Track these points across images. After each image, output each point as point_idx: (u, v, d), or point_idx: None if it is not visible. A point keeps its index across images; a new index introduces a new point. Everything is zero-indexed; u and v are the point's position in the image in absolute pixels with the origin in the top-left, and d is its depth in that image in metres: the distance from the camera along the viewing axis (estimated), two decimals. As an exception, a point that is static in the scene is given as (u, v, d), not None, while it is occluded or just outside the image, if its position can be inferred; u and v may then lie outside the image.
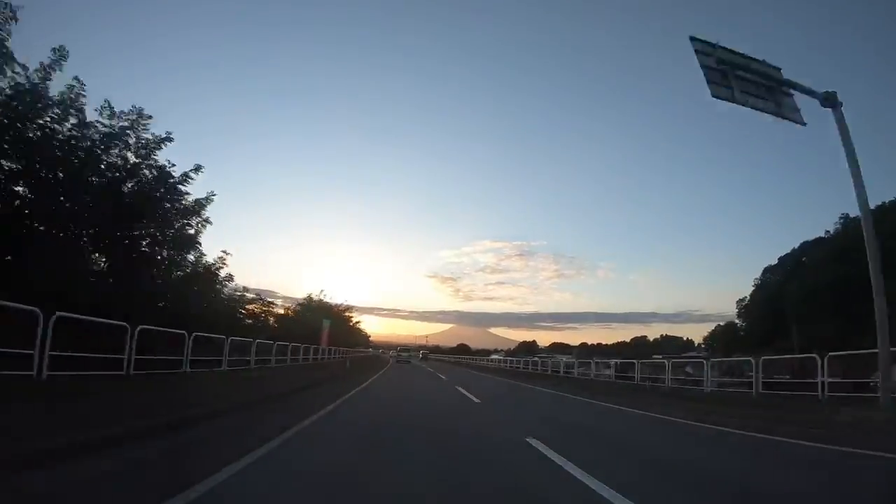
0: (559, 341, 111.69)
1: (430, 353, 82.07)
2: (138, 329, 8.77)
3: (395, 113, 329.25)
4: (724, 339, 45.77)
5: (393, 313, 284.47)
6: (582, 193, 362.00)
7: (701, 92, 8.79)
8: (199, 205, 12.25)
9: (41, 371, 6.71)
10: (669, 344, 70.74)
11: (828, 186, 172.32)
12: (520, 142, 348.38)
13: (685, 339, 77.14)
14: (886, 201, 31.03)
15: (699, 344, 69.34)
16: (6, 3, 8.14)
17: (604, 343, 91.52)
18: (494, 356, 53.77)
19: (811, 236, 39.24)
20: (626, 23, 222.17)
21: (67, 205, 9.49)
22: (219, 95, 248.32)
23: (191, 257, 13.31)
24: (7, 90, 8.56)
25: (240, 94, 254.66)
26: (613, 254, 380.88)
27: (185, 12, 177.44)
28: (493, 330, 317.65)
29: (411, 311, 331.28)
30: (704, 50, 8.79)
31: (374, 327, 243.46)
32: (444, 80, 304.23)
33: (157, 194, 11.18)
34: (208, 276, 14.18)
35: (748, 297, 42.96)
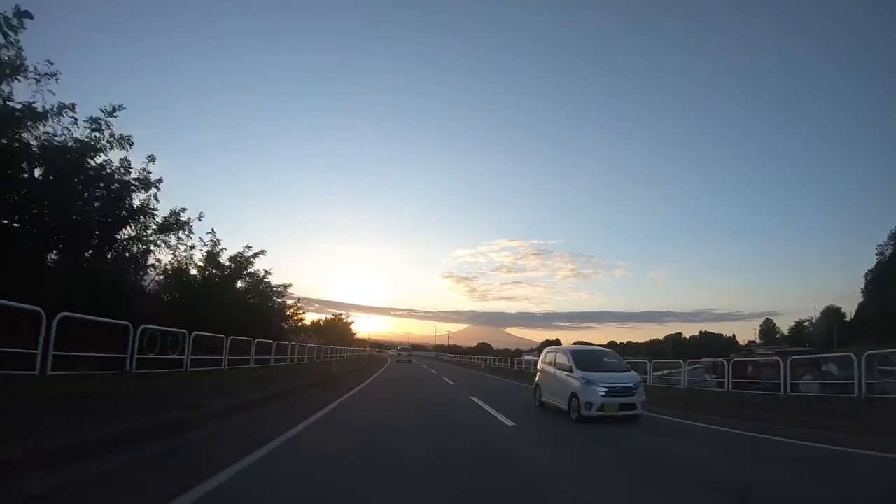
0: (582, 340, 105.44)
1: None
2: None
3: (406, 113, 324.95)
4: (823, 327, 38.56)
5: (408, 314, 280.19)
6: (599, 191, 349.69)
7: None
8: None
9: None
10: (712, 342, 63.94)
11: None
12: (535, 139, 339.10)
13: (727, 336, 70.51)
14: None
15: (748, 341, 62.90)
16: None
17: (634, 342, 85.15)
18: (528, 357, 42.48)
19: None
20: (640, 18, 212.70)
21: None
22: (230, 99, 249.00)
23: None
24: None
25: (250, 98, 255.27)
26: (631, 252, 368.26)
27: (200, 21, 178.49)
28: (509, 330, 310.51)
29: (426, 312, 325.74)
30: None
31: (390, 328, 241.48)
32: (459, 79, 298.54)
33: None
34: None
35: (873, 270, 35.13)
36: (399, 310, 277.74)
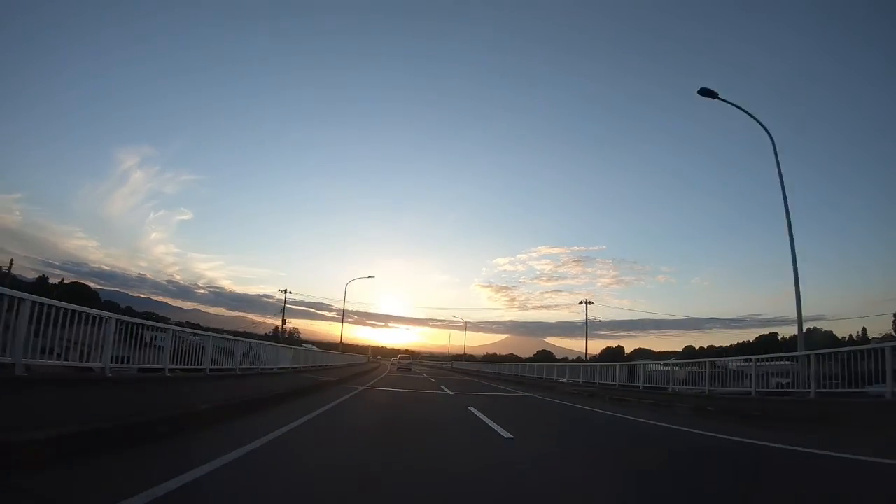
0: (643, 347, 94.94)
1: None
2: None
3: (439, 121, 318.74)
4: None
5: (447, 324, 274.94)
6: (642, 195, 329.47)
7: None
8: None
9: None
10: (817, 341, 52.80)
11: None
12: (575, 144, 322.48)
13: (853, 336, 58.93)
14: None
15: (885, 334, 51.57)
16: None
17: (715, 345, 74.25)
18: (655, 366, 21.82)
19: None
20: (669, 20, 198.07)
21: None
22: (264, 112, 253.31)
23: None
24: None
25: (281, 108, 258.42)
26: (675, 258, 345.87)
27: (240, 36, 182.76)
28: (549, 339, 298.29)
29: (466, 322, 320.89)
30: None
31: (429, 339, 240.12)
32: (495, 86, 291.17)
33: None
34: None
35: None
36: (438, 321, 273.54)
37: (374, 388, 15.68)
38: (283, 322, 64.24)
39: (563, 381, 26.01)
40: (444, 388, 18.16)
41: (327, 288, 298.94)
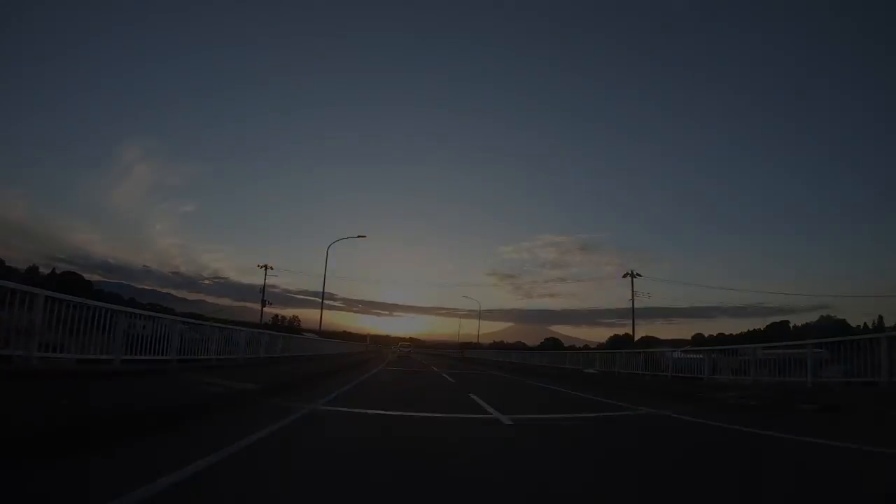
0: (650, 335, 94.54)
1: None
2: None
3: (445, 107, 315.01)
4: None
5: (452, 313, 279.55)
6: (647, 182, 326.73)
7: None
8: None
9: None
10: (830, 329, 52.22)
11: None
12: (579, 131, 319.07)
13: (868, 324, 58.26)
14: None
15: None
16: None
17: (725, 333, 73.93)
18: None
19: None
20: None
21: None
22: (268, 100, 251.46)
23: None
24: None
25: (285, 98, 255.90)
26: (679, 245, 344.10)
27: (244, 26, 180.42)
28: (553, 328, 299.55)
29: (471, 311, 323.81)
30: None
31: (435, 327, 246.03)
32: (501, 75, 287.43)
33: None
34: None
35: None
36: (443, 309, 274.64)
37: (331, 408, 7.11)
38: (264, 304, 55.19)
39: (591, 371, 25.25)
40: (476, 398, 9.82)
41: (331, 278, 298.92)
